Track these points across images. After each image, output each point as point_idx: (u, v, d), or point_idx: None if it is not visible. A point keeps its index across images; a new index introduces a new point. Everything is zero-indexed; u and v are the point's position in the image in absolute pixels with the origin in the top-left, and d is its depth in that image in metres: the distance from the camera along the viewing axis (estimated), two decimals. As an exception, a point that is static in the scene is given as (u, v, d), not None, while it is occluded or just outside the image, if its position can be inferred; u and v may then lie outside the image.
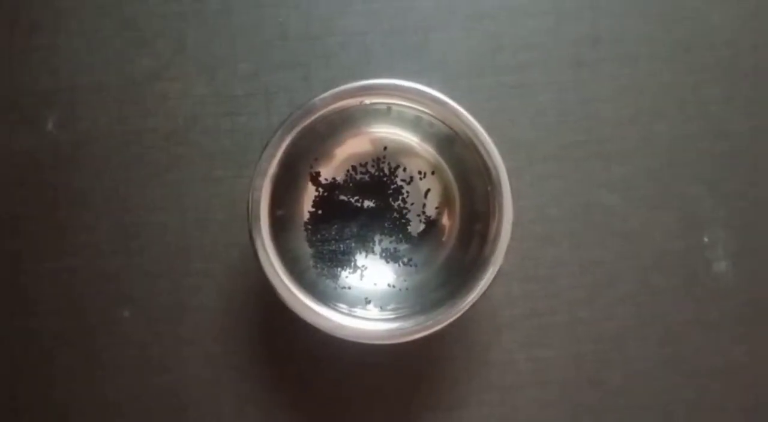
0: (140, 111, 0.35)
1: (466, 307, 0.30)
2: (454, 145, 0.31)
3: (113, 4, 0.36)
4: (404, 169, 0.34)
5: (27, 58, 0.35)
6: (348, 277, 0.33)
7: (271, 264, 0.30)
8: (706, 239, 0.36)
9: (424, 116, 0.31)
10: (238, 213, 0.33)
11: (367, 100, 0.30)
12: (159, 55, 0.35)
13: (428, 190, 0.34)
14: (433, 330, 0.30)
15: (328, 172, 0.34)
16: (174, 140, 0.35)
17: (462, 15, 0.36)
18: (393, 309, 0.32)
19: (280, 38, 0.36)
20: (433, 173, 0.34)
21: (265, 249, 0.30)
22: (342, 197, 0.34)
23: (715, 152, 0.36)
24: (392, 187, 0.34)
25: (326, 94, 0.30)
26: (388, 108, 0.31)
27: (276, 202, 0.30)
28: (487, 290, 0.29)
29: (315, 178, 0.33)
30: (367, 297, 0.33)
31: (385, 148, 0.34)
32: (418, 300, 0.32)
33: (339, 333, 0.30)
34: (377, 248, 0.34)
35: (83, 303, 0.35)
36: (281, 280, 0.30)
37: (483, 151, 0.30)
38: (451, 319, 0.30)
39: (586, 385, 0.35)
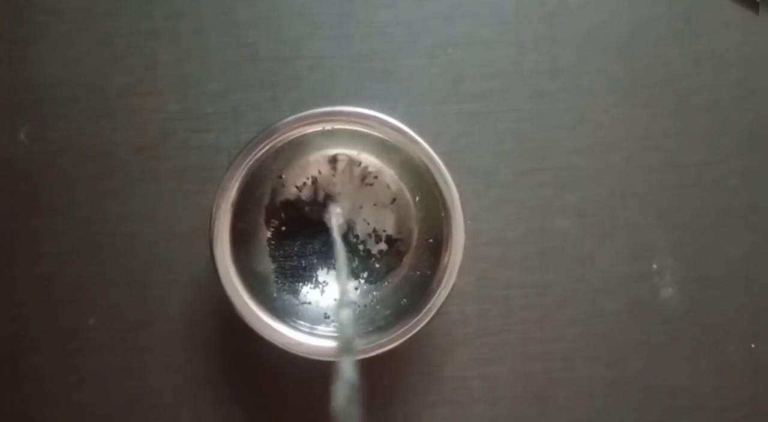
0: (112, 125, 0.36)
1: (421, 326, 0.31)
2: (413, 171, 0.33)
3: (89, 21, 0.36)
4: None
5: (1, 70, 0.36)
6: (309, 293, 0.34)
7: (232, 283, 0.30)
8: (654, 266, 0.37)
9: (385, 142, 0.32)
10: (203, 226, 0.33)
11: (329, 126, 0.31)
12: (131, 72, 0.36)
13: (389, 210, 0.35)
14: (389, 348, 0.31)
15: (291, 190, 0.34)
16: (144, 154, 0.36)
17: (427, 44, 0.37)
18: (351, 326, 0.33)
19: (249, 59, 0.36)
20: (394, 199, 0.35)
21: (226, 267, 0.31)
22: (305, 214, 0.35)
23: (665, 183, 0.37)
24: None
25: (289, 119, 0.31)
26: (352, 133, 0.32)
27: (239, 218, 0.31)
28: (441, 309, 0.31)
29: (278, 196, 0.34)
30: (327, 313, 0.34)
31: (349, 168, 0.35)
32: (375, 317, 0.33)
33: (296, 350, 0.31)
34: (338, 265, 0.35)
35: (52, 310, 0.36)
36: (241, 298, 0.31)
37: (439, 179, 0.31)
38: (406, 338, 0.31)
39: (533, 402, 0.36)
